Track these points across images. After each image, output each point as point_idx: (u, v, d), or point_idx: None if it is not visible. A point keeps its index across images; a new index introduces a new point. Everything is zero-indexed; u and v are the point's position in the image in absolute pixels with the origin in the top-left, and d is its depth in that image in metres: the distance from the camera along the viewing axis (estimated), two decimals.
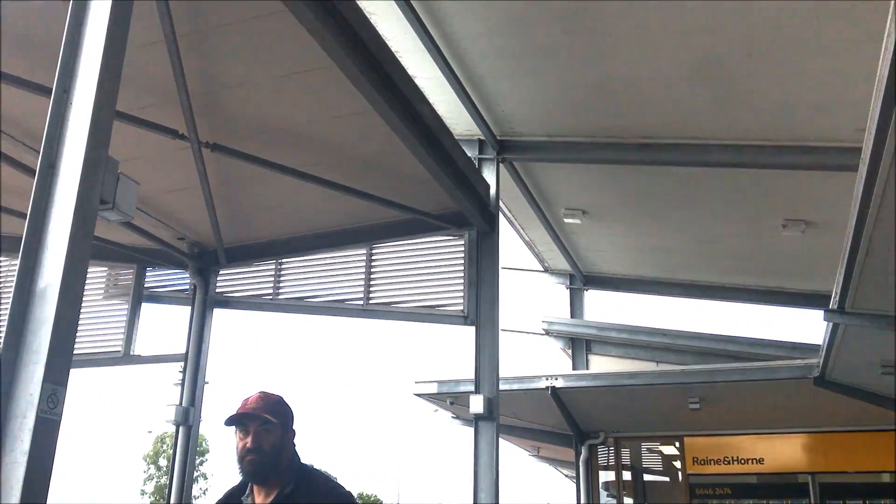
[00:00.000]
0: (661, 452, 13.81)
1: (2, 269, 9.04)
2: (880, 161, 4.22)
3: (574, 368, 13.60)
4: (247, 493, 2.97)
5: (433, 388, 11.33)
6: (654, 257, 12.46)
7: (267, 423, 2.89)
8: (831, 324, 7.21)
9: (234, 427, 2.94)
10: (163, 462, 48.56)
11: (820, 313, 7.17)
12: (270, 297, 8.88)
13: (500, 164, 8.60)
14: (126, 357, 8.72)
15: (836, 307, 6.68)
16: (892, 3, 2.94)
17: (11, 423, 2.93)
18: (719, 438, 12.31)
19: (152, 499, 47.85)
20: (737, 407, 11.12)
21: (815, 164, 7.75)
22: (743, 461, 12.13)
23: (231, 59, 5.73)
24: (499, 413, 7.59)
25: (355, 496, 3.01)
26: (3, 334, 3.08)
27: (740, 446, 12.21)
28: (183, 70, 5.52)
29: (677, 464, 12.81)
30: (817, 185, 8.60)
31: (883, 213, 4.70)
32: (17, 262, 3.16)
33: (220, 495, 3.12)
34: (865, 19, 5.73)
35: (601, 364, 13.67)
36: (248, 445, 2.87)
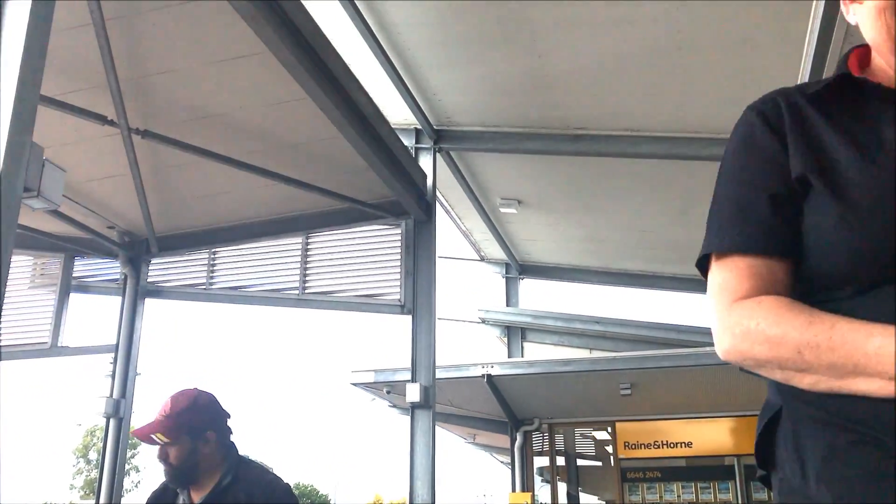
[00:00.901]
0: (593, 438, 14.10)
1: None
2: None
3: (510, 356, 13.76)
4: None
5: (370, 378, 11.33)
6: (588, 247, 12.67)
7: (165, 440, 2.90)
8: None
9: None
10: (93, 455, 47.43)
11: None
12: (204, 286, 8.74)
13: (437, 154, 8.63)
14: (54, 349, 8.49)
15: None
16: (814, 3, 3.06)
17: None
18: (649, 423, 12.63)
19: (81, 493, 46.69)
20: (666, 392, 11.42)
21: None
22: (672, 445, 12.47)
23: (163, 44, 5.61)
24: (435, 401, 7.64)
25: (292, 487, 3.01)
26: None
27: (669, 431, 12.55)
28: (112, 54, 5.39)
29: (609, 448, 13.10)
30: None
31: None
32: None
33: (154, 486, 3.09)
34: (791, 18, 5.92)
35: (536, 352, 13.88)
36: (158, 456, 2.90)
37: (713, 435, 12.50)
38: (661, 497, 12.40)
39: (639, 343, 12.74)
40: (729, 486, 12.12)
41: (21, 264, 8.72)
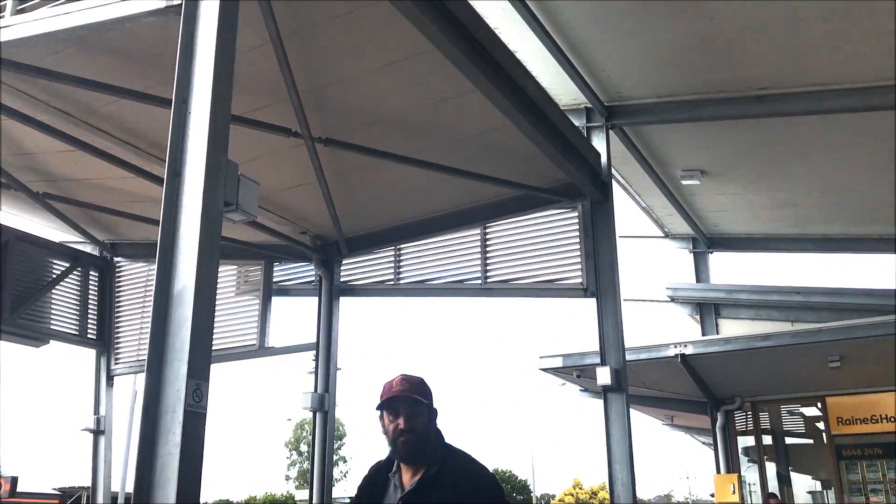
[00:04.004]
0: (802, 414, 13.33)
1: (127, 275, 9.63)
2: None
3: (704, 334, 13.24)
4: (394, 470, 3.06)
5: (558, 363, 11.30)
6: (781, 213, 11.94)
7: (416, 403, 2.97)
8: None
9: (380, 411, 3.03)
10: (304, 448, 50.60)
11: None
12: (392, 282, 9.08)
13: (610, 131, 8.44)
14: (261, 349, 9.12)
15: None
16: None
17: (163, 417, 3.15)
18: (864, 397, 11.75)
19: (297, 483, 49.98)
20: (881, 363, 10.56)
21: None
22: (892, 419, 11.53)
23: (335, 54, 5.87)
24: (627, 384, 7.51)
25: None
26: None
27: (888, 404, 11.60)
28: (290, 69, 5.69)
29: (820, 425, 12.33)
30: None
31: None
32: (155, 267, 3.37)
33: (359, 477, 3.23)
34: None
35: (732, 328, 13.25)
36: (401, 426, 2.95)
37: None
38: (883, 475, 11.51)
39: (845, 312, 11.83)
40: None
41: (227, 273, 9.44)
